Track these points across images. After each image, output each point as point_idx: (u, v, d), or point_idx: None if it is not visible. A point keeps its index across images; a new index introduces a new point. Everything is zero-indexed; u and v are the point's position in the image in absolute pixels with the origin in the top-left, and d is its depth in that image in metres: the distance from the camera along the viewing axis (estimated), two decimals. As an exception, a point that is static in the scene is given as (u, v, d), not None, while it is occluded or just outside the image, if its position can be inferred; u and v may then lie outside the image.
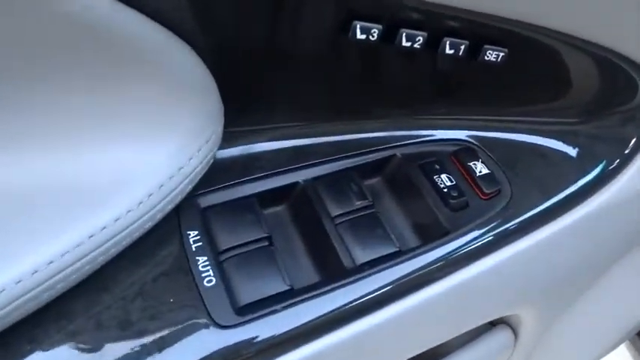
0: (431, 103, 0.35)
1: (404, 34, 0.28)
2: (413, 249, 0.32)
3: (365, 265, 0.30)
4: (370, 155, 0.35)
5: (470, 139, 0.37)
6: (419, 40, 0.29)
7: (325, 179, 0.33)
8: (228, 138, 0.32)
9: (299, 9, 0.27)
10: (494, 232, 0.33)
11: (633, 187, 0.37)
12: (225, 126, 0.31)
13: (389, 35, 0.28)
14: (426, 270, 0.31)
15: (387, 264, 0.30)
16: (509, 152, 0.36)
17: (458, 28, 0.29)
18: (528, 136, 0.37)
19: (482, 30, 0.30)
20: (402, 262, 0.31)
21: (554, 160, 0.36)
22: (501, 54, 0.31)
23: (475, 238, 0.33)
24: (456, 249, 0.32)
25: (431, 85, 0.34)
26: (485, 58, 0.31)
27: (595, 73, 0.35)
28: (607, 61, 0.34)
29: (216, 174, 0.32)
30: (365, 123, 0.35)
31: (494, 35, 0.30)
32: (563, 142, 0.37)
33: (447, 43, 0.29)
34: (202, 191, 0.31)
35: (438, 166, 0.35)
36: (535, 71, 0.34)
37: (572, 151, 0.37)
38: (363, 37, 0.28)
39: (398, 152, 0.35)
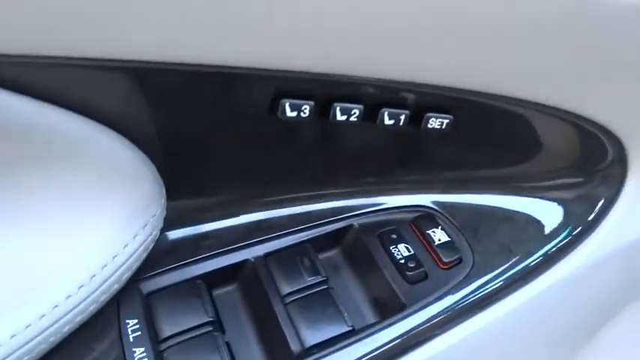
0: (387, 169, 0.34)
1: (338, 109, 0.28)
2: (367, 327, 0.30)
3: (314, 347, 0.29)
4: (326, 227, 0.34)
5: (431, 205, 0.36)
6: (355, 113, 0.28)
7: (277, 255, 0.32)
8: (175, 218, 0.32)
9: (230, 92, 0.27)
10: (454, 305, 0.32)
11: (604, 250, 0.35)
12: (171, 206, 0.31)
13: (322, 110, 0.28)
14: (381, 350, 0.29)
15: (339, 345, 0.29)
16: (472, 217, 0.35)
17: (395, 98, 0.29)
18: (492, 197, 0.36)
19: (422, 99, 0.29)
20: (354, 342, 0.29)
21: (519, 223, 0.35)
22: (446, 121, 0.30)
23: (434, 313, 0.31)
24: (415, 325, 0.31)
25: (380, 154, 0.33)
26: (429, 126, 0.30)
27: (560, 135, 0.34)
28: (572, 124, 0.33)
29: (162, 256, 0.31)
30: (320, 194, 0.34)
31: (435, 103, 0.30)
32: (529, 204, 0.36)
33: (386, 114, 0.29)
34: (146, 275, 0.30)
35: (395, 236, 0.34)
36: (489, 135, 0.33)
37: (538, 214, 0.35)
38: (294, 114, 0.27)
39: (355, 222, 0.34)
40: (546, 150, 0.35)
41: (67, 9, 0.21)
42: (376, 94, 0.28)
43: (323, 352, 0.29)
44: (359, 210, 0.34)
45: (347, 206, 0.35)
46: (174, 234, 0.32)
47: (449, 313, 0.31)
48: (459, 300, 0.32)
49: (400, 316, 0.31)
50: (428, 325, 0.31)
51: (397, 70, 0.26)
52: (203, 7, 0.22)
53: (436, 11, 0.24)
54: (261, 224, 0.33)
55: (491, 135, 0.33)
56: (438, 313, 0.31)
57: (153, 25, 0.22)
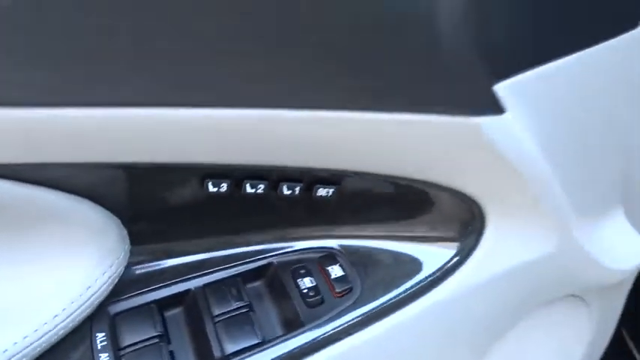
0: (299, 222, 0.46)
1: (247, 185, 0.39)
2: (272, 340, 0.41)
3: (231, 355, 0.40)
4: (252, 264, 0.45)
5: (335, 247, 0.47)
6: (260, 187, 0.39)
7: (213, 286, 0.44)
8: (138, 257, 0.43)
9: (172, 176, 0.38)
10: (342, 324, 0.42)
11: (467, 283, 0.46)
12: (136, 249, 0.42)
13: (236, 186, 0.39)
14: (282, 357, 0.40)
15: (248, 353, 0.40)
16: (364, 257, 0.46)
17: (290, 176, 0.40)
18: (381, 242, 0.47)
19: (310, 175, 0.40)
20: (261, 351, 0.40)
21: (401, 262, 0.46)
22: (331, 190, 0.41)
23: (326, 330, 0.42)
24: (310, 339, 0.42)
25: (290, 211, 0.44)
26: (318, 194, 0.41)
27: (434, 198, 0.45)
28: (443, 191, 0.43)
29: (127, 286, 0.42)
30: (248, 240, 0.46)
31: (322, 178, 0.41)
32: (410, 248, 0.46)
33: (285, 187, 0.40)
34: (113, 300, 0.42)
35: (304, 271, 0.45)
36: (374, 198, 0.44)
37: (417, 255, 0.46)
38: (215, 190, 0.38)
39: (275, 260, 0.45)
40: (423, 209, 0.45)
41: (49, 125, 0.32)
42: (275, 173, 0.39)
43: (237, 358, 0.40)
44: (278, 251, 0.46)
45: (269, 248, 0.46)
46: (136, 269, 0.43)
47: (338, 329, 0.42)
48: (347, 320, 0.43)
49: (299, 331, 0.41)
50: (321, 338, 0.42)
51: (285, 160, 0.37)
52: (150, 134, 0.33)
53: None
54: (203, 262, 0.45)
55: (375, 198, 0.44)
56: (330, 329, 0.42)
57: (107, 140, 0.33)
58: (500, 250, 0.47)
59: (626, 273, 0.62)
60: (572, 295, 0.62)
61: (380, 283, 0.44)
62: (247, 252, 0.45)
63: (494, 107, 0.37)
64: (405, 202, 0.45)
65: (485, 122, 0.36)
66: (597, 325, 0.68)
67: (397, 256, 0.46)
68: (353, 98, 0.33)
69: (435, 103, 0.34)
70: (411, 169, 0.40)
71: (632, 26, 0.54)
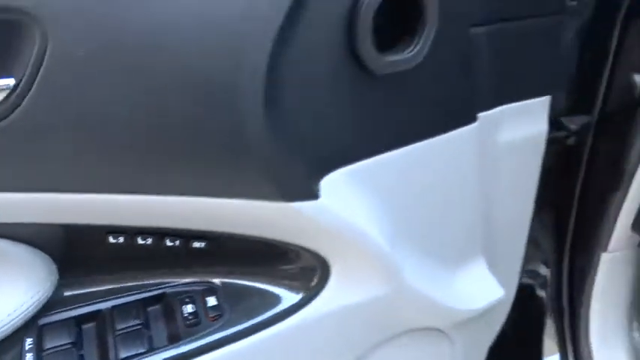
0: (188, 263, 0.61)
1: (139, 238, 0.54)
2: (156, 349, 0.56)
3: (123, 359, 0.55)
4: (151, 293, 0.60)
5: (215, 282, 0.62)
6: (148, 240, 0.55)
7: (119, 308, 0.59)
8: (66, 283, 0.58)
9: (81, 229, 0.54)
10: (212, 340, 0.57)
11: (319, 314, 0.61)
12: (65, 278, 0.57)
13: (131, 239, 0.54)
14: (163, 363, 0.56)
15: (136, 358, 0.55)
16: (236, 291, 0.61)
17: (171, 232, 0.55)
18: (250, 281, 0.62)
19: (186, 232, 0.55)
20: (146, 357, 0.55)
21: (263, 295, 0.61)
22: (203, 243, 0.56)
23: (199, 344, 0.57)
24: (187, 350, 0.57)
25: (179, 255, 0.59)
26: (193, 246, 0.56)
27: (286, 251, 0.60)
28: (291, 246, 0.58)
29: (56, 304, 0.58)
30: (149, 274, 0.61)
31: (197, 234, 0.56)
32: (272, 285, 0.61)
33: (167, 240, 0.55)
34: (44, 314, 0.57)
35: (188, 300, 0.60)
36: (236, 249, 0.59)
37: (276, 290, 0.61)
38: (115, 241, 0.54)
39: (168, 291, 0.61)
40: (282, 257, 0.60)
41: None
42: (158, 230, 0.55)
43: (125, 362, 0.55)
44: (171, 284, 0.61)
45: (164, 282, 0.61)
46: (64, 291, 0.59)
47: (208, 344, 0.57)
48: (216, 338, 0.58)
49: (178, 344, 0.57)
50: (194, 349, 0.57)
51: (157, 223, 0.53)
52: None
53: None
54: (113, 290, 0.60)
55: (242, 248, 0.59)
56: (202, 343, 0.57)
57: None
58: (342, 290, 0.62)
59: (473, 312, 0.77)
60: (436, 329, 0.77)
61: (245, 311, 0.59)
62: (147, 284, 0.60)
63: (309, 194, 0.52)
64: (267, 251, 0.60)
65: (302, 206, 0.52)
66: (463, 358, 0.82)
67: (261, 292, 0.61)
68: (183, 185, 0.47)
69: (254, 193, 0.49)
70: (262, 234, 0.55)
71: (472, 120, 0.69)
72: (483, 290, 0.79)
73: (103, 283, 0.59)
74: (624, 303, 0.98)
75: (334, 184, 0.55)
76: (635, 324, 1.03)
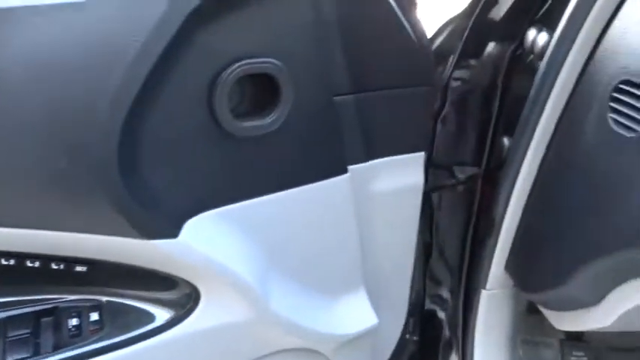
0: (78, 282, 0.71)
1: (27, 261, 0.65)
2: (39, 355, 0.67)
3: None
4: (45, 306, 0.71)
5: (101, 299, 0.72)
6: (36, 263, 0.65)
7: (16, 317, 0.69)
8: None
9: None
10: (90, 350, 0.68)
11: (192, 331, 0.71)
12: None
13: (20, 262, 0.65)
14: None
15: (28, 360, 0.66)
16: (117, 308, 0.71)
17: (55, 257, 0.66)
18: (130, 300, 0.72)
19: (70, 258, 0.66)
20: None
21: (140, 313, 0.71)
22: (85, 267, 0.67)
23: (76, 353, 0.68)
24: (64, 357, 0.67)
25: (69, 276, 0.70)
26: (76, 269, 0.67)
27: (162, 276, 0.70)
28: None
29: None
30: (45, 290, 0.71)
31: (80, 259, 0.67)
32: (149, 304, 0.72)
33: (52, 264, 0.66)
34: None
35: (75, 313, 0.71)
36: (116, 272, 0.70)
37: (152, 309, 0.72)
38: (6, 263, 0.64)
39: (59, 305, 0.71)
40: (158, 281, 0.71)
41: None
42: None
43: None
44: (63, 299, 0.71)
45: (57, 297, 0.71)
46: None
47: (87, 352, 0.68)
48: (95, 347, 0.68)
49: (59, 351, 0.67)
50: (75, 356, 0.67)
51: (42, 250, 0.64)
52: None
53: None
54: (8, 302, 0.70)
55: (121, 272, 0.70)
56: (81, 352, 0.68)
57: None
58: (211, 313, 0.72)
59: (346, 336, 0.87)
60: (312, 351, 0.87)
61: (122, 327, 0.70)
62: (43, 298, 0.71)
63: (168, 233, 0.63)
64: (145, 276, 0.70)
65: (161, 243, 0.62)
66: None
67: (138, 310, 0.72)
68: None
69: (120, 231, 0.60)
70: (136, 263, 0.66)
71: (343, 171, 0.80)
72: (358, 318, 0.89)
73: (3, 294, 0.70)
74: (504, 337, 1.08)
75: (198, 225, 0.66)
76: (520, 353, 1.14)
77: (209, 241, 0.67)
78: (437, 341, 1.23)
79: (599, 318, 0.75)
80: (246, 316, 0.74)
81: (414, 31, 0.80)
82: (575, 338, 1.05)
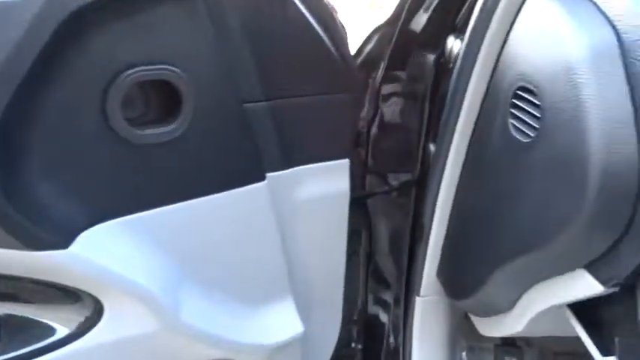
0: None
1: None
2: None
3: None
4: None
5: (2, 314, 0.71)
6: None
7: None
8: None
9: None
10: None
11: (98, 342, 0.70)
12: None
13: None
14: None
15: None
16: (16, 322, 0.70)
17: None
18: (31, 311, 0.71)
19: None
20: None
21: (40, 326, 0.70)
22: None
23: None
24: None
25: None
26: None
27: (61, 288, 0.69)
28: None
29: None
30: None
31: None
32: (51, 318, 0.71)
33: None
34: None
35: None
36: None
37: (54, 323, 0.70)
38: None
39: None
40: (59, 295, 0.70)
41: None
42: None
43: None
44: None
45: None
46: None
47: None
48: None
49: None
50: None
51: None
52: None
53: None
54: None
55: (24, 289, 0.68)
56: None
57: None
58: (115, 325, 0.71)
59: (268, 346, 0.86)
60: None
61: (23, 340, 0.69)
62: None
63: (56, 244, 0.61)
64: (46, 289, 0.69)
65: (50, 254, 0.61)
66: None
67: (40, 324, 0.70)
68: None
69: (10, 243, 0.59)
70: (32, 275, 0.65)
71: (260, 179, 0.79)
72: (283, 327, 0.88)
73: None
74: (442, 343, 1.08)
75: (96, 235, 0.65)
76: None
77: (107, 252, 0.66)
78: (381, 349, 1.22)
79: (513, 323, 0.75)
80: (154, 328, 0.72)
81: (332, 39, 0.80)
82: (511, 343, 1.04)
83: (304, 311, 0.92)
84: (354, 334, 1.26)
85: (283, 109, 0.78)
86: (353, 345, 1.29)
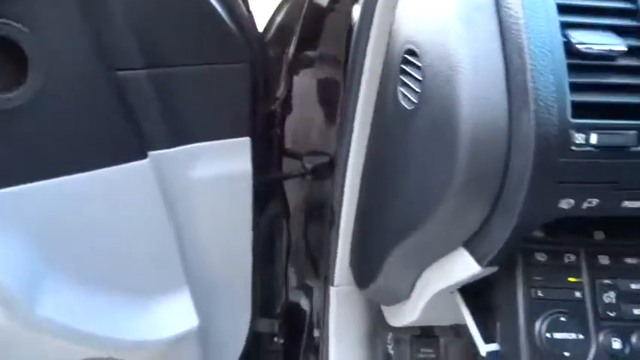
0: None
1: None
2: None
3: None
4: None
5: None
6: None
7: None
8: None
9: None
10: None
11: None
12: None
13: None
14: None
15: None
16: None
17: None
18: None
19: None
20: None
21: None
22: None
23: None
24: None
25: None
26: None
27: None
28: None
29: None
30: None
31: None
32: None
33: None
34: None
35: None
36: None
37: None
38: None
39: None
40: None
41: None
42: None
43: None
44: None
45: None
46: None
47: None
48: None
49: None
50: None
51: None
52: None
53: None
54: None
55: None
56: None
57: None
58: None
59: (155, 343, 0.79)
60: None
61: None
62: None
63: None
64: None
65: None
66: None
67: None
68: None
69: None
70: None
71: (140, 157, 0.72)
72: (173, 321, 0.81)
73: None
74: (358, 335, 1.02)
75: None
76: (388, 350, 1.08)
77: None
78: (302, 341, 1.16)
79: (411, 311, 0.70)
80: (6, 323, 0.64)
81: (224, 3, 0.73)
82: (429, 334, 1.00)
83: (205, 303, 0.85)
84: (276, 328, 1.20)
85: (166, 79, 0.71)
86: (275, 340, 1.23)
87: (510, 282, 0.51)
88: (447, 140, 0.47)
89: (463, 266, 0.53)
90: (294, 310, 1.17)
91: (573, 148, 0.42)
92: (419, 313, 0.66)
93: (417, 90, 0.53)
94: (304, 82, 0.97)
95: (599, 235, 0.52)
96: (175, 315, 0.81)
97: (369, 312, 1.01)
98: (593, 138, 0.42)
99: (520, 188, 0.43)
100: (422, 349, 0.95)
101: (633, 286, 0.50)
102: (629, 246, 0.52)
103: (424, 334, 1.01)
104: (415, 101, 0.54)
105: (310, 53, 0.95)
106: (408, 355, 0.94)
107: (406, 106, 0.56)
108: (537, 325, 0.49)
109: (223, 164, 0.80)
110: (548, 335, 0.49)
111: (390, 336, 1.02)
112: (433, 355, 0.95)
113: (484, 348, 0.55)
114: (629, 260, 0.51)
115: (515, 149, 0.43)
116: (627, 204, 0.45)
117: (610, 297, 0.50)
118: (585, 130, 0.42)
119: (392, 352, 1.02)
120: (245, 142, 0.81)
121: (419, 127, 0.54)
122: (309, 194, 1.05)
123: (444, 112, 0.47)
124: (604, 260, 0.52)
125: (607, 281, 0.51)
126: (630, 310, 0.50)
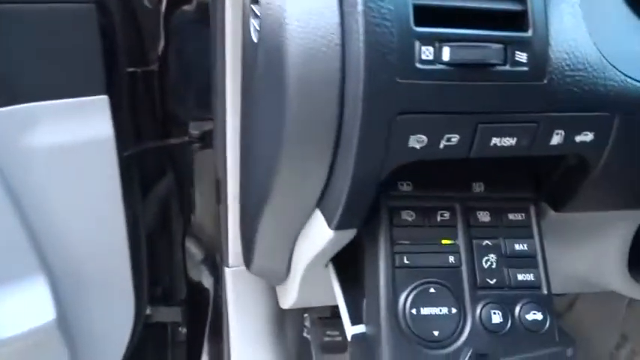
0: None
1: None
2: None
3: None
4: None
5: None
6: None
7: None
8: None
9: None
10: None
11: None
12: None
13: None
14: None
15: None
16: None
17: None
18: None
19: None
20: None
21: None
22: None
23: None
24: None
25: None
26: None
27: None
28: None
29: None
30: None
31: None
32: None
33: None
34: None
35: None
36: None
37: None
38: None
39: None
40: None
41: None
42: None
43: None
44: None
45: None
46: None
47: None
48: None
49: None
50: None
51: None
52: None
53: None
54: None
55: None
56: None
57: None
58: None
59: (13, 339, 0.67)
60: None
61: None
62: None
63: None
64: None
65: None
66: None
67: None
68: None
69: None
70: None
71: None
72: (23, 315, 0.69)
73: None
74: (261, 320, 0.92)
75: None
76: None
77: None
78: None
79: (290, 291, 0.60)
80: None
81: None
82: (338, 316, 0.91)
83: (71, 293, 0.74)
84: (179, 315, 1.09)
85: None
86: (180, 329, 1.12)
87: (374, 248, 0.41)
88: (276, 70, 0.36)
89: (319, 231, 0.43)
90: (195, 291, 1.07)
91: (418, 65, 0.31)
92: (296, 293, 0.56)
93: (258, 28, 0.43)
94: (180, 38, 0.84)
95: (478, 188, 0.43)
96: (29, 308, 0.69)
97: (270, 294, 0.91)
98: (445, 52, 0.31)
99: (354, 123, 0.33)
100: (327, 332, 0.86)
101: (517, 247, 0.41)
102: (512, 199, 0.42)
103: (334, 315, 0.92)
104: (255, 40, 0.43)
105: (186, 7, 0.83)
106: (317, 338, 0.85)
107: (254, 39, 0.45)
108: (401, 299, 0.39)
109: (74, 128, 0.68)
110: (413, 311, 0.39)
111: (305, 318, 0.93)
112: (339, 338, 0.86)
113: (350, 330, 0.45)
114: (513, 216, 0.42)
115: (348, 72, 0.32)
116: (496, 141, 0.35)
117: (490, 260, 0.41)
118: (434, 42, 0.31)
119: (307, 335, 0.94)
120: (101, 101, 0.69)
121: (260, 63, 0.43)
122: (201, 166, 0.94)
123: (273, 36, 0.37)
124: (484, 217, 0.42)
125: (487, 242, 0.41)
126: (514, 275, 0.41)
